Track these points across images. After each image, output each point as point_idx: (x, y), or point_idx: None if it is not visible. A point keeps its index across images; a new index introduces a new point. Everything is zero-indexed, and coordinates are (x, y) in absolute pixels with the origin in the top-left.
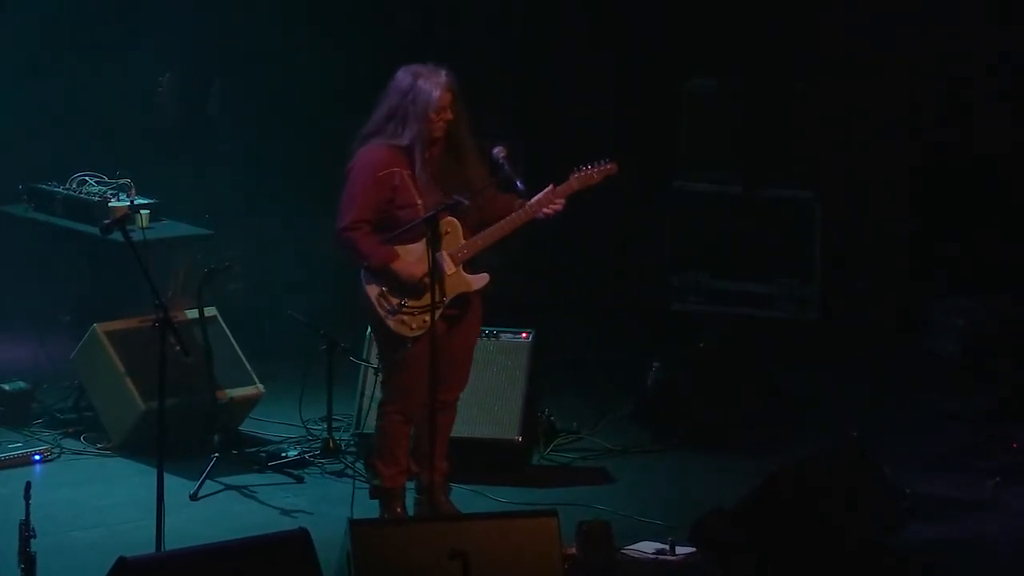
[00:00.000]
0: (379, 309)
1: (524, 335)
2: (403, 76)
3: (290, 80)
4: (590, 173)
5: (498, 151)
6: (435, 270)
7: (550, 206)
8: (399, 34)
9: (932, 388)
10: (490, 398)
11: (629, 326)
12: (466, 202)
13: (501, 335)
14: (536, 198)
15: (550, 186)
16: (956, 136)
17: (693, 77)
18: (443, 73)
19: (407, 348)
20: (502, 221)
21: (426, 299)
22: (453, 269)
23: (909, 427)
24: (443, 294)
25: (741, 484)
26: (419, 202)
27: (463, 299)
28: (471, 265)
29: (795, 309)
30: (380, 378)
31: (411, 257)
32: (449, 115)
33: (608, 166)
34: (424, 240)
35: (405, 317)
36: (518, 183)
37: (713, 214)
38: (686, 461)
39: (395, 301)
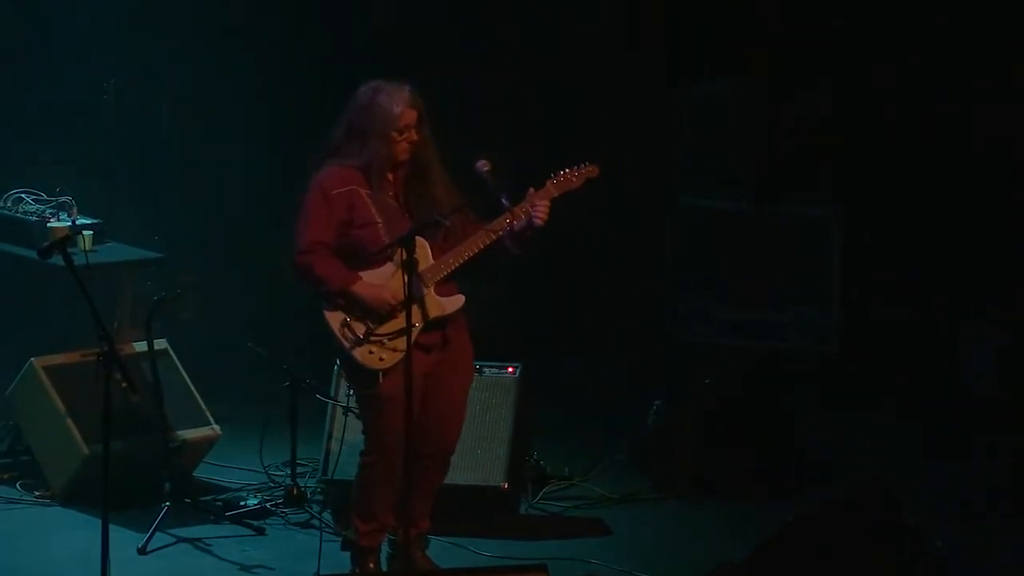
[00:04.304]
0: (343, 340)
1: (511, 369)
2: (363, 92)
3: (248, 91)
4: (569, 177)
5: (481, 164)
6: (411, 295)
7: (534, 213)
8: (369, 38)
9: (964, 426)
10: (473, 440)
11: (627, 360)
12: (446, 221)
13: (485, 370)
14: (511, 210)
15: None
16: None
17: (697, 78)
18: (407, 89)
19: (378, 384)
20: (472, 237)
21: (395, 325)
22: (425, 291)
23: (939, 470)
24: (417, 319)
25: (752, 535)
26: (379, 220)
27: (439, 329)
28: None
29: (812, 340)
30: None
31: (376, 279)
32: (414, 136)
33: (588, 168)
34: (390, 263)
35: (373, 347)
36: (503, 199)
37: (721, 233)
38: (690, 510)
39: (361, 329)
